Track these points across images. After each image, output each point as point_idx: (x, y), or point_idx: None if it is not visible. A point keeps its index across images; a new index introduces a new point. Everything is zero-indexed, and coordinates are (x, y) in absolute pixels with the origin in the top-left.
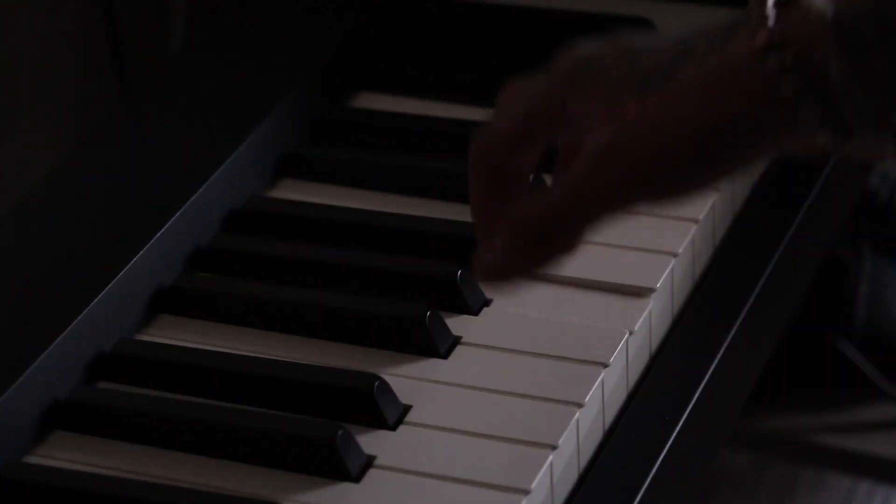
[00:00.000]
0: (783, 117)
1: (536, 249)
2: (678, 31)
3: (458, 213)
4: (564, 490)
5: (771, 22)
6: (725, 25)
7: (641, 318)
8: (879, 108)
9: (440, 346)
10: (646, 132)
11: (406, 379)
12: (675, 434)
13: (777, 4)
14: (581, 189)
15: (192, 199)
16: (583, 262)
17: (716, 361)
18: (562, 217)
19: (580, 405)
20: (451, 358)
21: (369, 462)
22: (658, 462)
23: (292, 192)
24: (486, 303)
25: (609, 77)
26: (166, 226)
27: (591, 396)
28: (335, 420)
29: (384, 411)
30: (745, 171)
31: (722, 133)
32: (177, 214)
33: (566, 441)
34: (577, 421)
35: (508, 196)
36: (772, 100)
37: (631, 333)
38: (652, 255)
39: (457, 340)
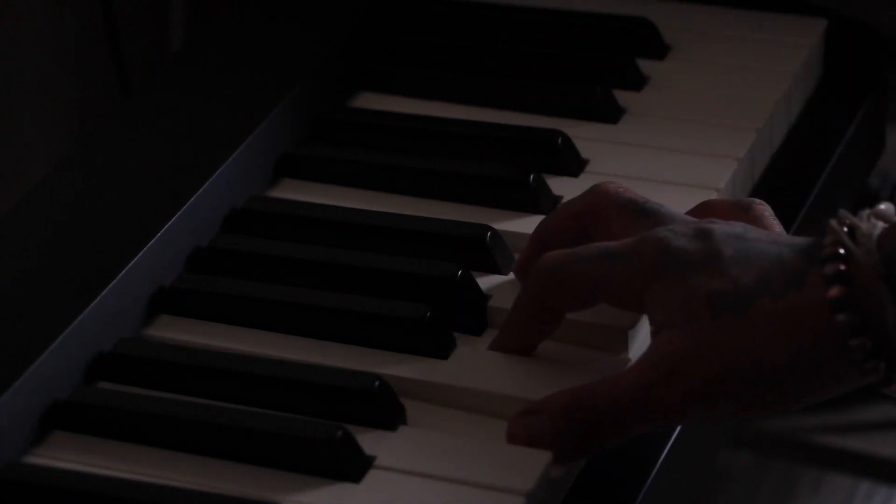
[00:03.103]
0: (848, 368)
1: (583, 442)
2: (764, 241)
3: (459, 213)
4: (564, 490)
5: (842, 268)
6: (804, 255)
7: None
8: None
9: (440, 346)
10: (714, 357)
11: (406, 379)
12: (675, 434)
13: (845, 250)
14: (643, 398)
15: (192, 199)
16: None
17: None
18: (620, 421)
19: None
20: (451, 358)
21: (369, 462)
22: (658, 462)
23: (292, 192)
24: (486, 303)
25: (689, 281)
26: (166, 226)
27: None
28: (335, 420)
29: (384, 411)
30: (801, 408)
31: (784, 374)
32: (177, 214)
33: None
34: None
35: (545, 326)
36: (839, 352)
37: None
38: None
39: (457, 340)
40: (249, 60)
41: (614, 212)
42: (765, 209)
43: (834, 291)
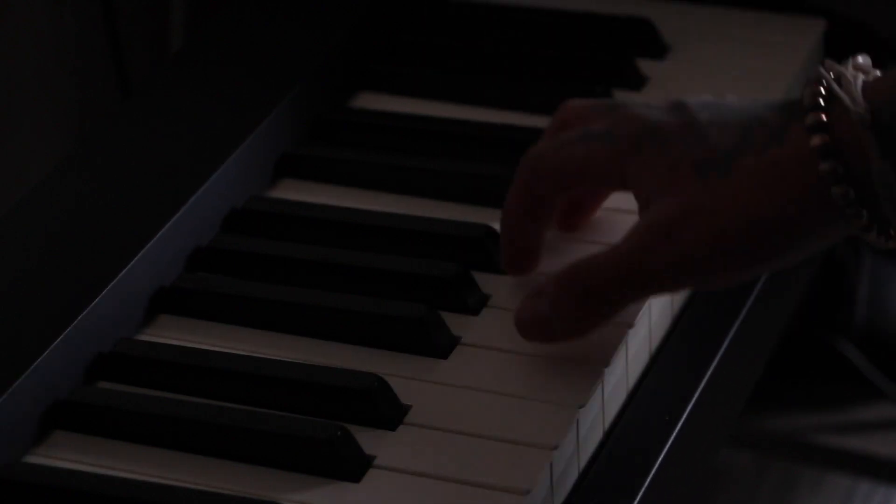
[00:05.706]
0: (832, 218)
1: (583, 310)
2: (738, 104)
3: (459, 212)
4: (564, 490)
5: (823, 118)
6: (783, 112)
7: (640, 315)
8: None
9: (440, 346)
10: (705, 218)
11: (406, 379)
12: (675, 434)
13: (826, 100)
14: (639, 261)
15: (192, 199)
16: None
17: (716, 361)
18: (618, 285)
19: (580, 405)
20: (451, 358)
21: (369, 462)
22: (658, 462)
23: (292, 192)
24: (486, 303)
25: (671, 150)
26: (166, 226)
27: (591, 396)
28: (335, 420)
29: (384, 411)
30: (789, 265)
31: (773, 227)
32: (177, 214)
33: (566, 441)
34: (578, 421)
35: (537, 218)
36: (823, 201)
37: (630, 327)
38: None
39: (457, 340)
40: (249, 60)
41: (588, 113)
42: None
43: (816, 140)
